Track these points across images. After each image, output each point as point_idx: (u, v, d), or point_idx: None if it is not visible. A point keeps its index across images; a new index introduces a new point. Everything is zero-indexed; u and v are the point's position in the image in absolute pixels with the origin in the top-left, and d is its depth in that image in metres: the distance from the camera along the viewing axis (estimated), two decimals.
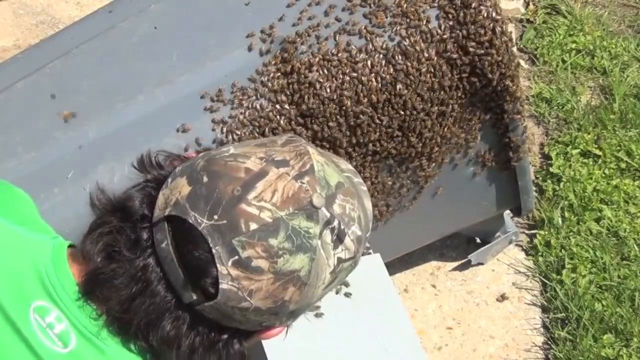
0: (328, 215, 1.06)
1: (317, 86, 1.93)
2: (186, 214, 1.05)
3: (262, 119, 1.93)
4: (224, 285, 1.04)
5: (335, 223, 1.07)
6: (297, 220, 1.04)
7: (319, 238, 1.05)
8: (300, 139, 1.14)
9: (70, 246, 1.18)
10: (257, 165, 1.06)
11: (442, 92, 2.03)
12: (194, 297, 1.06)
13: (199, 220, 1.04)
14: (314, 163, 1.08)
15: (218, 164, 1.08)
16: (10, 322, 1.08)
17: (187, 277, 1.06)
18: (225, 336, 1.10)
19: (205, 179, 1.07)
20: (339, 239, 1.08)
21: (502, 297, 2.69)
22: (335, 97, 1.94)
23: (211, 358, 1.11)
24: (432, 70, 1.99)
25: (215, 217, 1.03)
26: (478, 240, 2.78)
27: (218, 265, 1.03)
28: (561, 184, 2.91)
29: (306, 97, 1.93)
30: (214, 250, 1.03)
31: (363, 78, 1.95)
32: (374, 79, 1.96)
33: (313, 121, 1.95)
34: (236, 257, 1.03)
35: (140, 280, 1.07)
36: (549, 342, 2.60)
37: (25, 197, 1.31)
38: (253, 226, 1.03)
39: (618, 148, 3.01)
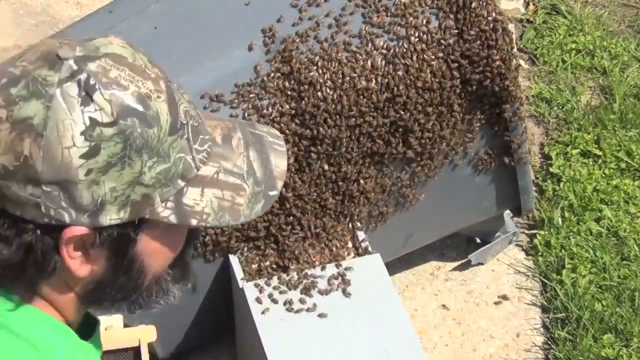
0: (75, 67, 1.02)
1: (317, 86, 1.93)
2: None
3: (262, 119, 1.93)
4: None
5: (84, 76, 1.02)
6: (40, 70, 1.02)
7: (58, 87, 1.01)
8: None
9: None
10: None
11: (442, 93, 2.03)
12: None
13: None
14: (100, 41, 1.06)
15: None
16: None
17: None
18: (27, 237, 1.03)
19: None
20: (87, 94, 1.02)
21: (503, 297, 2.69)
22: (335, 97, 1.94)
23: (32, 270, 1.04)
24: (432, 70, 1.99)
25: None
26: (478, 240, 2.77)
27: None
28: (561, 184, 2.91)
29: (306, 97, 1.93)
30: None
31: (363, 78, 1.95)
32: (373, 80, 1.96)
33: (313, 121, 1.95)
34: None
35: None
36: (549, 342, 2.60)
37: None
38: (3, 81, 1.02)
39: (618, 148, 3.01)
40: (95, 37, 1.07)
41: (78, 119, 1.01)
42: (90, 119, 1.01)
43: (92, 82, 1.02)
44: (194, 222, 1.06)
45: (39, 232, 1.03)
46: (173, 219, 1.05)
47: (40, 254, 1.04)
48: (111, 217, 1.03)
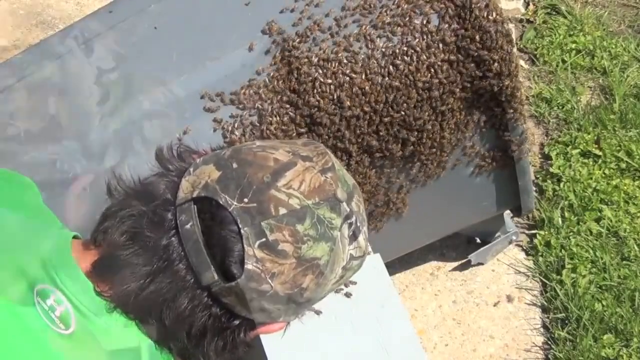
0: (348, 210, 1.11)
1: (317, 86, 1.93)
2: (216, 195, 1.08)
3: (262, 119, 1.93)
4: (248, 265, 1.07)
5: (353, 219, 1.12)
6: (322, 210, 1.09)
7: (339, 230, 1.10)
8: (318, 142, 1.19)
9: (75, 237, 1.20)
10: (286, 157, 1.11)
11: (442, 93, 2.03)
12: (215, 277, 1.08)
13: (229, 202, 1.08)
14: (334, 162, 1.13)
15: (246, 153, 1.12)
16: (12, 307, 1.10)
17: (210, 257, 1.08)
18: (236, 322, 1.13)
19: (234, 165, 1.11)
20: (354, 235, 1.13)
21: (507, 297, 2.69)
22: (335, 97, 1.94)
23: (217, 343, 1.14)
24: (432, 70, 1.99)
25: (246, 200, 1.07)
26: (478, 240, 2.78)
27: (245, 246, 1.07)
28: (561, 184, 2.91)
29: (306, 97, 1.93)
30: (242, 231, 1.07)
31: (363, 78, 1.95)
32: (374, 80, 1.96)
33: (313, 121, 1.95)
34: (264, 239, 1.07)
35: (161, 259, 1.09)
36: (549, 342, 2.60)
37: (31, 186, 1.34)
38: (282, 211, 1.07)
39: (618, 148, 3.01)
40: (324, 155, 1.15)
41: (345, 257, 1.13)
42: (350, 255, 1.13)
43: (358, 224, 1.13)
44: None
45: (244, 326, 1.14)
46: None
47: (232, 340, 1.15)
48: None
